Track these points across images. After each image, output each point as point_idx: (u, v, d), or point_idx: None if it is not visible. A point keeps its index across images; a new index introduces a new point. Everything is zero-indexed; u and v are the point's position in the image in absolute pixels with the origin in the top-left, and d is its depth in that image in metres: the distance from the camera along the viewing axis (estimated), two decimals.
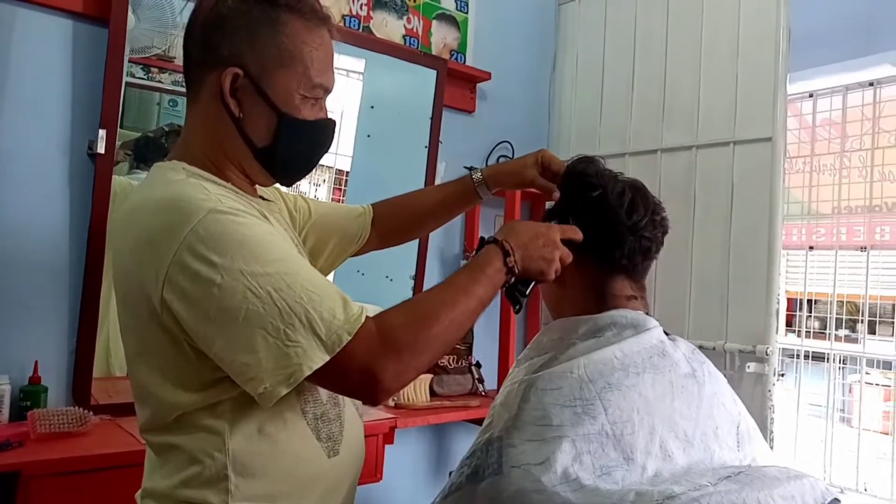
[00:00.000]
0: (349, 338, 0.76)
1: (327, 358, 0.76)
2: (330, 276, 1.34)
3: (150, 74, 1.81)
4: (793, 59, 1.94)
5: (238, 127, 0.88)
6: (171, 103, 1.84)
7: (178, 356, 0.81)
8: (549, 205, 1.16)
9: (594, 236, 1.03)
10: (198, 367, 0.80)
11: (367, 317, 0.79)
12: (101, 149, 1.64)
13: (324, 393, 0.90)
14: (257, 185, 0.98)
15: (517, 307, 0.98)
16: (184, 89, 0.93)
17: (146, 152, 1.79)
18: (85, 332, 1.65)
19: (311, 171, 1.00)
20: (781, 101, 1.91)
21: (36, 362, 1.58)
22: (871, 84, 2.78)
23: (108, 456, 1.39)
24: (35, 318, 1.62)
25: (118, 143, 1.68)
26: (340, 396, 0.93)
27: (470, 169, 1.28)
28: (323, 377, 0.77)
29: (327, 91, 0.93)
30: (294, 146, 0.91)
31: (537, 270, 0.96)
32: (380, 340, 0.78)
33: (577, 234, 1.02)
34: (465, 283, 0.89)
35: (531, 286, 0.99)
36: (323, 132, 0.95)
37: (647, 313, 1.06)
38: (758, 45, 1.97)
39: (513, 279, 0.94)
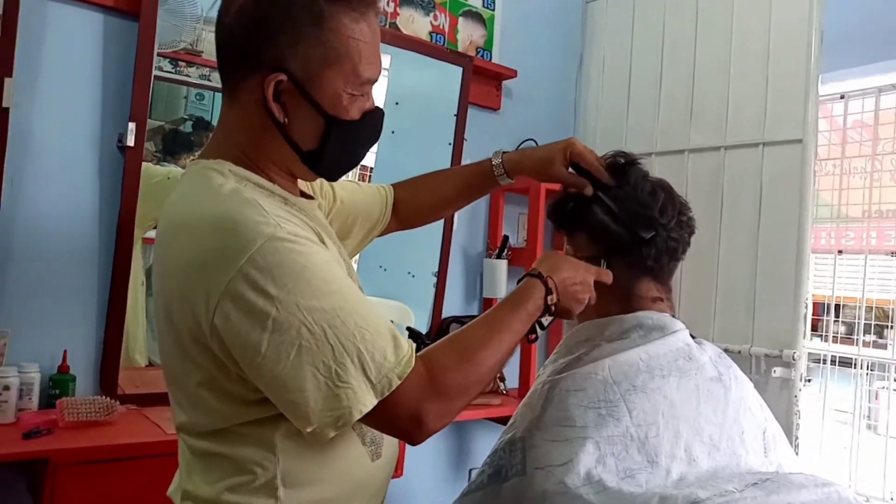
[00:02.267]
0: (399, 381, 0.75)
1: (376, 401, 0.74)
2: (353, 261, 1.32)
3: (177, 68, 1.82)
4: (824, 59, 1.90)
5: (283, 132, 0.83)
6: (197, 97, 1.86)
7: (222, 375, 0.78)
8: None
9: (621, 235, 1.02)
10: (243, 387, 0.78)
11: (415, 357, 0.78)
12: (130, 142, 1.66)
13: None
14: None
15: (534, 338, 0.97)
16: (211, 83, 0.91)
17: (170, 142, 1.81)
18: (113, 323, 1.67)
19: (358, 164, 0.96)
20: (813, 103, 1.88)
21: (65, 351, 1.61)
22: None
23: (135, 446, 1.41)
24: (65, 308, 1.65)
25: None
26: None
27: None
28: (370, 419, 0.75)
29: (374, 82, 0.86)
30: (342, 148, 0.87)
31: (566, 310, 0.96)
32: (429, 383, 0.77)
33: (608, 278, 1.00)
34: (508, 319, 0.88)
35: (552, 320, 0.98)
36: (371, 126, 0.89)
37: (673, 315, 1.05)
38: (789, 45, 1.94)
39: (546, 316, 0.94)
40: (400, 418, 0.77)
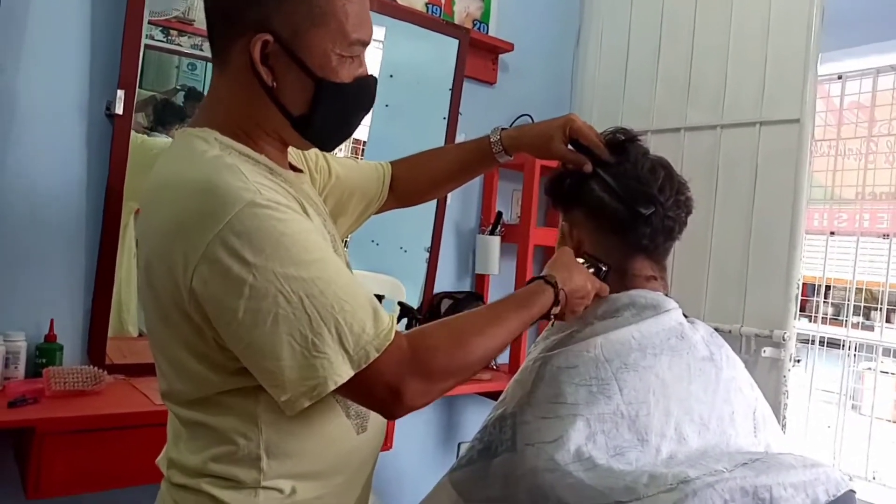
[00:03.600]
0: (377, 354, 0.74)
1: (353, 373, 0.73)
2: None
3: (169, 37, 1.79)
4: (824, 38, 1.88)
5: (272, 96, 0.82)
6: (189, 67, 1.83)
7: (203, 342, 0.78)
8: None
9: (619, 212, 1.00)
10: (222, 355, 0.78)
11: (396, 332, 0.77)
12: (119, 109, 1.64)
13: None
14: (289, 151, 0.94)
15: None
16: (203, 53, 0.89)
17: (162, 113, 1.78)
18: (101, 292, 1.66)
19: (352, 133, 0.93)
20: (812, 83, 1.86)
21: (52, 320, 1.60)
22: None
23: (122, 416, 1.41)
24: (52, 276, 1.63)
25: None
26: None
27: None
28: (346, 390, 0.75)
29: (365, 44, 0.85)
30: (334, 112, 0.85)
31: (561, 316, 0.96)
32: (410, 359, 0.77)
33: (605, 293, 1.01)
34: (508, 316, 0.88)
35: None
36: (363, 92, 0.88)
37: (666, 294, 1.04)
38: (790, 23, 1.91)
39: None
40: (377, 391, 0.76)
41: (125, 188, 1.66)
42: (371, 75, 0.88)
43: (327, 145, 0.93)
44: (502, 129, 1.16)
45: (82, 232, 1.67)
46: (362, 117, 0.92)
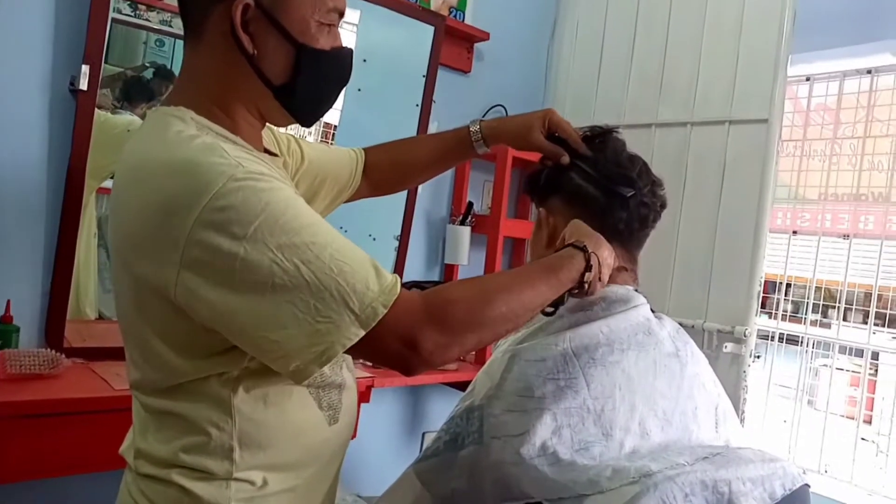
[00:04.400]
0: (384, 310, 0.72)
1: (362, 333, 0.71)
2: None
3: (137, 12, 1.74)
4: (794, 40, 1.91)
5: (252, 65, 0.80)
6: (157, 43, 1.78)
7: (183, 325, 0.75)
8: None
9: (598, 197, 1.01)
10: (206, 337, 0.76)
11: (404, 288, 0.75)
12: (83, 85, 1.58)
13: None
14: (264, 131, 0.92)
15: (551, 312, 0.95)
16: (171, 29, 0.86)
17: (129, 90, 1.73)
18: (60, 273, 1.61)
19: (331, 106, 0.92)
20: (781, 83, 1.89)
21: (8, 301, 1.55)
22: (868, 72, 2.76)
23: (80, 401, 1.38)
24: (9, 256, 1.58)
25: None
26: (338, 364, 0.90)
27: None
28: (359, 350, 0.73)
29: (341, 14, 0.85)
30: (315, 80, 0.84)
31: (593, 291, 0.94)
32: (424, 311, 0.75)
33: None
34: (536, 278, 0.86)
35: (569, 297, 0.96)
36: (342, 62, 0.88)
37: (636, 288, 1.05)
38: (762, 23, 1.94)
39: (575, 291, 0.92)
40: (392, 347, 0.74)
41: (87, 167, 1.61)
42: (348, 48, 0.88)
43: (308, 117, 0.91)
44: (481, 120, 1.16)
45: (42, 211, 1.61)
46: (340, 90, 0.91)
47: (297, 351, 0.71)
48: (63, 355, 1.49)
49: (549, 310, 0.94)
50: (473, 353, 2.33)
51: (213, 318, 0.72)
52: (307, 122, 0.92)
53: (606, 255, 0.95)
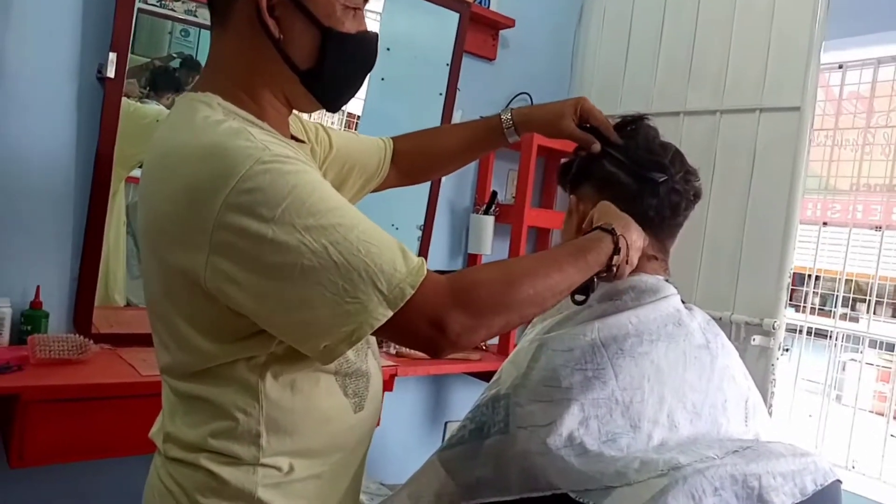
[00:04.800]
0: (412, 291, 0.72)
1: (390, 314, 0.71)
2: None
3: (162, 2, 1.75)
4: (827, 26, 1.86)
5: (279, 49, 0.80)
6: (182, 33, 1.79)
7: (212, 310, 0.76)
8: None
9: (628, 183, 1.00)
10: (234, 321, 0.76)
11: (427, 268, 0.75)
12: (110, 73, 1.60)
13: (349, 351, 0.86)
14: (292, 119, 0.92)
15: (583, 300, 0.94)
16: (196, 19, 0.86)
17: (156, 79, 1.74)
18: (88, 260, 1.63)
19: (356, 92, 0.92)
20: (814, 70, 1.84)
21: (38, 287, 1.57)
22: None
23: (108, 386, 1.39)
24: (38, 243, 1.60)
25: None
26: (364, 351, 0.90)
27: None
28: (387, 331, 0.73)
29: None
30: (341, 64, 0.84)
31: (622, 274, 0.93)
32: (450, 293, 0.74)
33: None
34: (563, 260, 0.85)
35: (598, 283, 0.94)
36: (368, 46, 0.88)
37: (666, 279, 1.03)
38: (795, 8, 1.89)
39: (603, 274, 0.90)
40: (420, 328, 0.74)
41: (116, 155, 1.63)
42: (374, 32, 0.87)
43: (334, 102, 0.90)
44: (511, 109, 1.16)
45: (70, 198, 1.63)
46: (365, 74, 0.91)
47: (326, 331, 0.71)
48: (91, 341, 1.50)
49: (581, 297, 0.93)
50: (497, 342, 2.33)
51: (243, 301, 0.73)
52: (333, 108, 0.92)
53: (636, 237, 0.93)
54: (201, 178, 0.72)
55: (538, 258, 0.86)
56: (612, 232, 0.90)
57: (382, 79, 2.14)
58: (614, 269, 0.90)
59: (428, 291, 0.73)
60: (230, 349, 0.78)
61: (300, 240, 0.69)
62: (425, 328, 0.73)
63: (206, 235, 0.71)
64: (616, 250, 0.89)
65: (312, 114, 1.03)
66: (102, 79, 1.61)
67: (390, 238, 0.75)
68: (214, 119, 0.76)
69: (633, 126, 1.06)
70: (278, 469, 0.81)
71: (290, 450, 0.82)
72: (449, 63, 2.22)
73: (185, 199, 0.73)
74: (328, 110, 0.93)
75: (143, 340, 1.53)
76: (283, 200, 0.70)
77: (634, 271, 0.99)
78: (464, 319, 0.74)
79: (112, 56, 1.59)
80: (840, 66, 2.89)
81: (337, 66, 0.84)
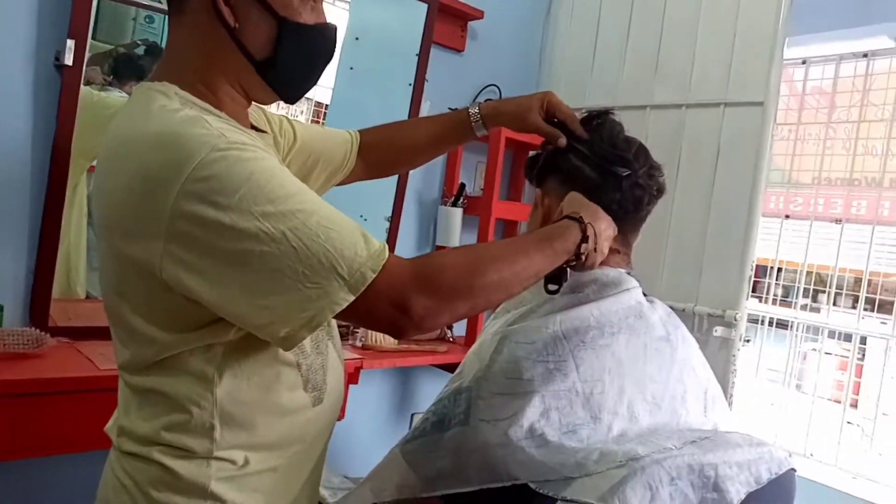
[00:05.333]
0: (373, 275, 0.72)
1: (351, 298, 0.71)
2: None
3: None
4: (791, 22, 1.89)
5: (234, 38, 0.80)
6: (147, 19, 1.75)
7: (168, 300, 0.75)
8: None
9: (592, 177, 1.01)
10: (190, 311, 0.75)
11: (393, 254, 0.75)
12: (68, 60, 1.55)
13: (308, 344, 0.87)
14: (249, 111, 0.91)
15: (555, 290, 0.94)
16: (160, 5, 0.85)
17: (120, 67, 1.70)
18: (45, 252, 1.59)
19: (314, 83, 0.92)
20: (777, 65, 1.87)
21: None
22: (864, 55, 2.75)
23: (65, 380, 1.36)
24: None
25: (88, 55, 1.59)
26: (324, 344, 0.90)
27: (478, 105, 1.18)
28: (349, 315, 0.73)
29: None
30: (297, 55, 0.84)
31: (592, 263, 0.93)
32: (414, 276, 0.75)
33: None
34: (530, 247, 0.85)
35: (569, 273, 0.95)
36: (325, 38, 0.87)
37: (629, 272, 1.04)
38: (759, 5, 1.91)
39: (572, 263, 0.91)
40: (382, 311, 0.74)
41: (77, 146, 1.58)
42: (332, 24, 0.87)
43: (290, 93, 0.90)
44: (479, 103, 1.16)
45: (27, 188, 1.59)
46: (324, 66, 0.90)
47: (286, 317, 0.71)
48: (48, 334, 1.47)
49: (553, 287, 0.94)
50: (464, 333, 2.33)
51: (201, 289, 0.72)
52: (290, 99, 0.91)
53: (605, 226, 0.94)
54: (156, 167, 0.71)
55: (505, 244, 0.87)
56: (579, 220, 0.91)
57: (351, 68, 2.12)
58: (583, 256, 0.91)
59: (390, 274, 0.73)
60: (186, 338, 0.77)
61: (258, 226, 0.69)
62: (388, 310, 0.73)
63: (162, 224, 0.70)
64: (584, 238, 0.90)
65: (279, 106, 1.01)
66: (60, 66, 1.56)
67: (351, 223, 0.74)
68: (171, 108, 0.75)
69: (599, 120, 1.06)
70: (233, 462, 0.80)
71: (246, 443, 0.81)
72: (418, 54, 2.21)
73: (139, 188, 0.71)
74: (285, 101, 0.92)
75: (103, 334, 1.47)
76: (240, 187, 0.69)
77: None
78: (427, 302, 0.74)
79: (70, 43, 1.55)
80: (803, 62, 2.94)
81: (293, 56, 0.83)
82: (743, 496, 0.86)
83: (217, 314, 0.75)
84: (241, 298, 0.71)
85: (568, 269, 0.93)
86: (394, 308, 0.73)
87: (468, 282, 0.77)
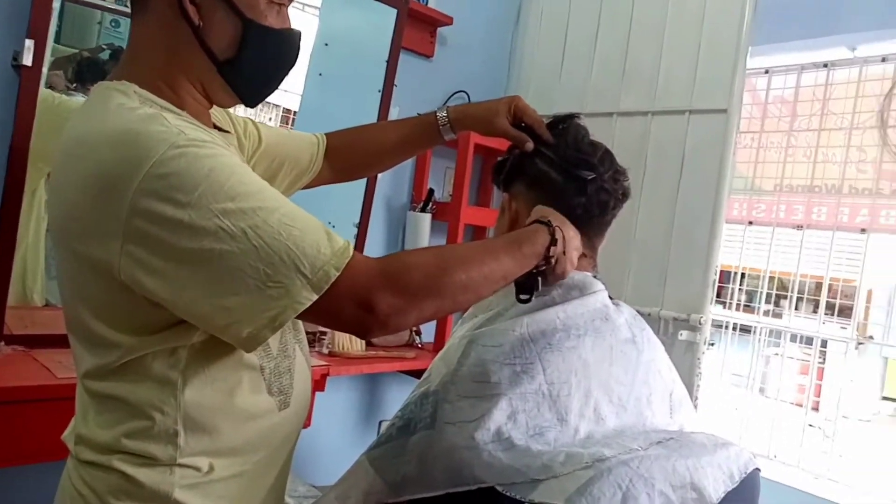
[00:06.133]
0: (337, 273, 0.70)
1: (315, 297, 0.70)
2: None
3: None
4: (754, 32, 1.93)
5: (197, 37, 0.79)
6: (112, 23, 1.72)
7: (128, 302, 0.73)
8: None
9: (558, 181, 1.01)
10: (151, 312, 0.73)
11: (354, 250, 0.74)
12: (27, 60, 1.51)
13: (275, 345, 0.85)
14: (213, 112, 0.90)
15: (527, 298, 0.94)
16: (127, 9, 0.83)
17: (84, 72, 1.67)
18: (0, 258, 1.54)
19: (276, 88, 0.91)
20: (740, 74, 1.91)
21: None
22: (825, 65, 2.82)
23: (18, 389, 1.32)
24: None
25: (50, 58, 1.56)
26: (291, 347, 0.89)
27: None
28: (313, 314, 0.72)
29: None
30: (261, 58, 0.83)
31: (561, 272, 0.93)
32: (379, 274, 0.73)
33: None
34: (499, 249, 0.85)
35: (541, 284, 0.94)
36: (290, 43, 0.87)
37: (594, 275, 1.05)
38: (724, 13, 1.96)
39: (542, 268, 0.90)
40: (346, 310, 0.72)
41: (36, 150, 1.54)
42: (297, 30, 0.87)
43: (251, 96, 0.89)
44: (448, 107, 1.16)
45: None
46: (286, 72, 0.89)
47: (248, 317, 0.69)
48: (2, 342, 1.43)
49: (524, 297, 0.94)
50: (432, 340, 2.32)
51: (160, 290, 0.70)
52: (250, 102, 0.90)
53: (572, 234, 0.94)
54: (113, 165, 0.69)
55: (473, 246, 0.86)
56: (548, 224, 0.91)
57: (320, 74, 2.11)
58: (552, 260, 0.90)
59: (355, 273, 0.72)
60: (149, 341, 0.75)
61: (218, 224, 0.67)
62: (352, 309, 0.72)
63: (119, 224, 0.68)
64: (553, 241, 0.90)
65: (245, 111, 1.00)
66: (18, 67, 1.52)
67: (315, 221, 0.73)
68: (129, 106, 0.74)
69: (564, 125, 1.07)
70: (197, 469, 0.79)
71: (210, 449, 0.79)
72: (387, 60, 2.20)
73: (96, 186, 0.70)
74: (245, 104, 0.91)
75: (61, 342, 1.44)
76: (199, 184, 0.68)
77: None
78: (392, 300, 0.73)
79: (29, 43, 1.51)
80: (766, 71, 3.01)
81: (256, 58, 0.82)
82: (722, 495, 0.87)
83: (179, 316, 0.73)
84: (201, 299, 0.70)
85: (539, 279, 0.92)
86: (358, 307, 0.72)
87: (436, 281, 0.77)
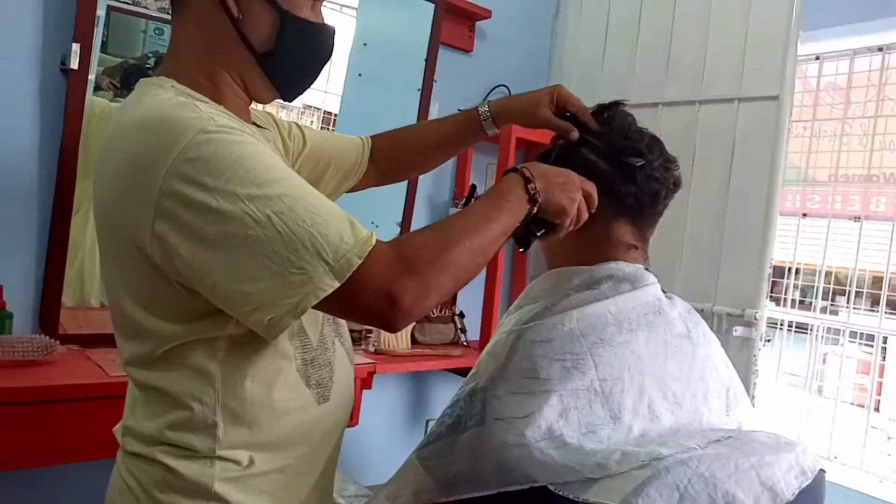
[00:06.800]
0: (359, 261, 0.70)
1: (337, 284, 0.70)
2: None
3: None
4: (804, 17, 1.86)
5: (237, 29, 0.80)
6: (157, 31, 1.75)
7: (165, 288, 0.75)
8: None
9: (606, 170, 0.97)
10: (188, 299, 0.75)
11: (377, 239, 0.74)
12: (74, 64, 1.55)
13: (314, 338, 0.85)
14: (252, 109, 0.91)
15: (525, 247, 0.92)
16: (170, 17, 0.85)
17: (131, 79, 1.70)
18: (54, 259, 1.58)
19: (312, 82, 0.92)
20: (792, 59, 1.84)
21: (0, 287, 1.52)
22: (879, 49, 2.70)
23: (73, 387, 1.35)
24: (1, 242, 1.55)
25: (97, 66, 1.60)
26: (331, 340, 0.88)
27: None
28: (336, 304, 0.72)
29: None
30: (298, 50, 0.85)
31: (558, 205, 0.88)
32: (397, 261, 0.73)
33: (594, 189, 0.93)
34: (487, 209, 0.84)
35: (544, 230, 0.92)
36: (325, 37, 0.89)
37: (646, 267, 1.01)
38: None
39: (535, 210, 0.87)
40: (369, 300, 0.72)
41: (90, 156, 1.57)
42: (331, 26, 0.89)
43: (289, 88, 0.90)
44: (489, 101, 1.15)
45: (34, 194, 1.58)
46: (322, 65, 0.91)
47: (270, 303, 0.70)
48: (57, 342, 1.46)
49: (522, 249, 0.93)
50: (478, 337, 2.30)
51: (188, 271, 0.71)
52: (288, 95, 0.91)
53: (547, 170, 0.89)
54: (145, 149, 0.71)
55: (464, 214, 0.84)
56: (513, 169, 0.88)
57: (360, 74, 2.11)
58: (537, 196, 0.86)
59: (376, 262, 0.72)
60: (185, 329, 0.77)
61: (243, 209, 0.68)
62: (375, 301, 0.72)
63: (151, 205, 0.70)
64: (528, 179, 0.86)
65: (288, 112, 1.01)
66: (66, 70, 1.56)
67: (339, 210, 0.74)
68: (163, 96, 0.76)
69: (610, 112, 1.04)
70: (237, 462, 0.79)
71: (250, 442, 0.80)
72: (426, 57, 2.19)
73: (129, 171, 0.72)
74: (283, 98, 0.92)
75: (114, 341, 1.48)
76: (226, 170, 0.69)
77: (613, 259, 0.97)
78: (413, 286, 0.72)
79: (75, 47, 1.55)
80: (817, 58, 2.90)
81: (294, 51, 0.84)
82: (796, 492, 0.83)
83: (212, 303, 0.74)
84: (225, 283, 0.71)
85: (533, 227, 0.90)
86: (381, 298, 0.72)
87: (446, 255, 0.76)
